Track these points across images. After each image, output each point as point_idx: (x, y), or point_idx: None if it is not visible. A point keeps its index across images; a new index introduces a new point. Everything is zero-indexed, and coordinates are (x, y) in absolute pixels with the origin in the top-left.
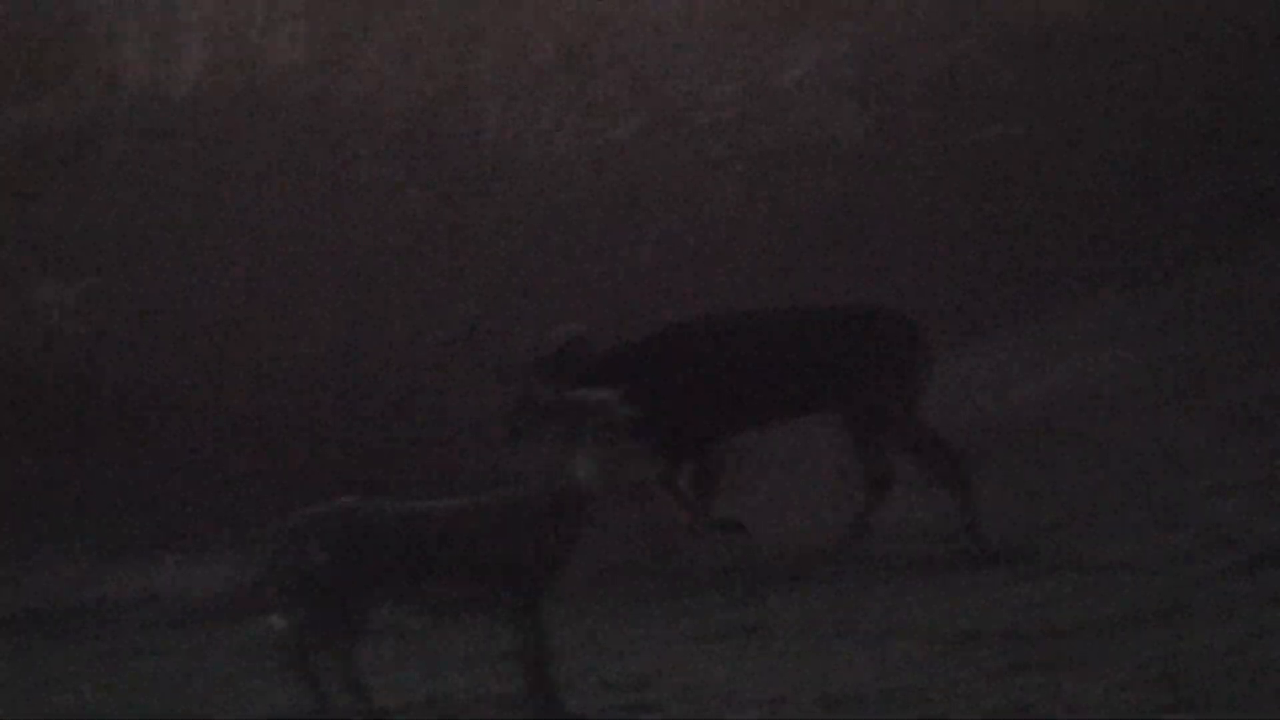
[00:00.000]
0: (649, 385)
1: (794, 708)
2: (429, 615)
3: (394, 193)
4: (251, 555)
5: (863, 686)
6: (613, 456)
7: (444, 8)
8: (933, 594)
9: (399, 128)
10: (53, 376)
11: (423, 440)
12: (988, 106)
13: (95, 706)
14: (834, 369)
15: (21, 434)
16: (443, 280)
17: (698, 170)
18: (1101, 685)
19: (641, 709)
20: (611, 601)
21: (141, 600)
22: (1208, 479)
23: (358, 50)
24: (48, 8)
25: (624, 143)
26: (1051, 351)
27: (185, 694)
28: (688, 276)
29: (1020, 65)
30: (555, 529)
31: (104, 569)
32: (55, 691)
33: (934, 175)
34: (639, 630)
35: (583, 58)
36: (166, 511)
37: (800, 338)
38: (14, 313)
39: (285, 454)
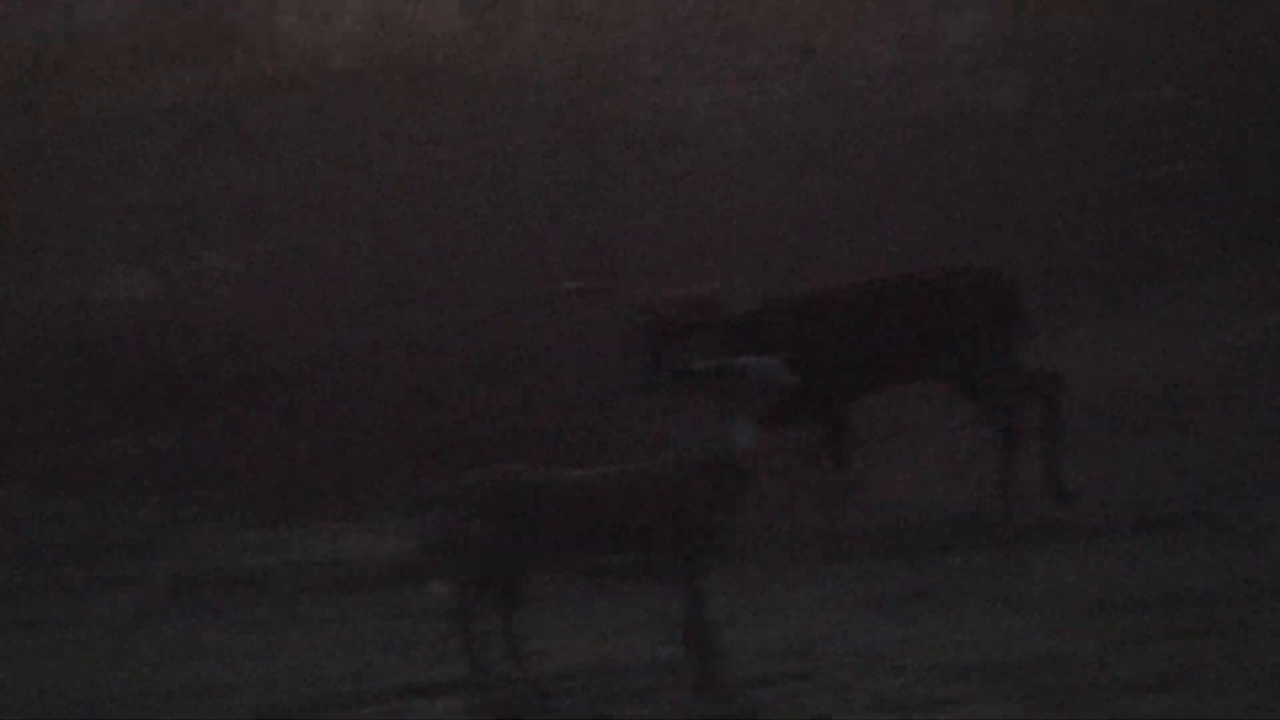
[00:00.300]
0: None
1: (954, 673)
2: (589, 582)
3: (551, 158)
4: (414, 522)
5: (1021, 652)
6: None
7: None
8: (1089, 560)
9: (557, 95)
10: (218, 346)
11: (584, 407)
12: (1143, 72)
13: (256, 673)
14: (940, 331)
15: (188, 403)
16: (601, 244)
17: (856, 134)
18: (1253, 651)
19: (802, 675)
20: (773, 568)
21: (305, 566)
22: None
23: (518, 18)
24: None
25: (784, 107)
26: (1203, 317)
27: (347, 660)
28: (844, 238)
29: (1175, 30)
30: (717, 495)
31: (269, 536)
32: (220, 657)
33: (1089, 140)
34: (800, 597)
35: (743, 23)
36: (330, 479)
37: (906, 303)
38: (180, 282)
39: (447, 422)
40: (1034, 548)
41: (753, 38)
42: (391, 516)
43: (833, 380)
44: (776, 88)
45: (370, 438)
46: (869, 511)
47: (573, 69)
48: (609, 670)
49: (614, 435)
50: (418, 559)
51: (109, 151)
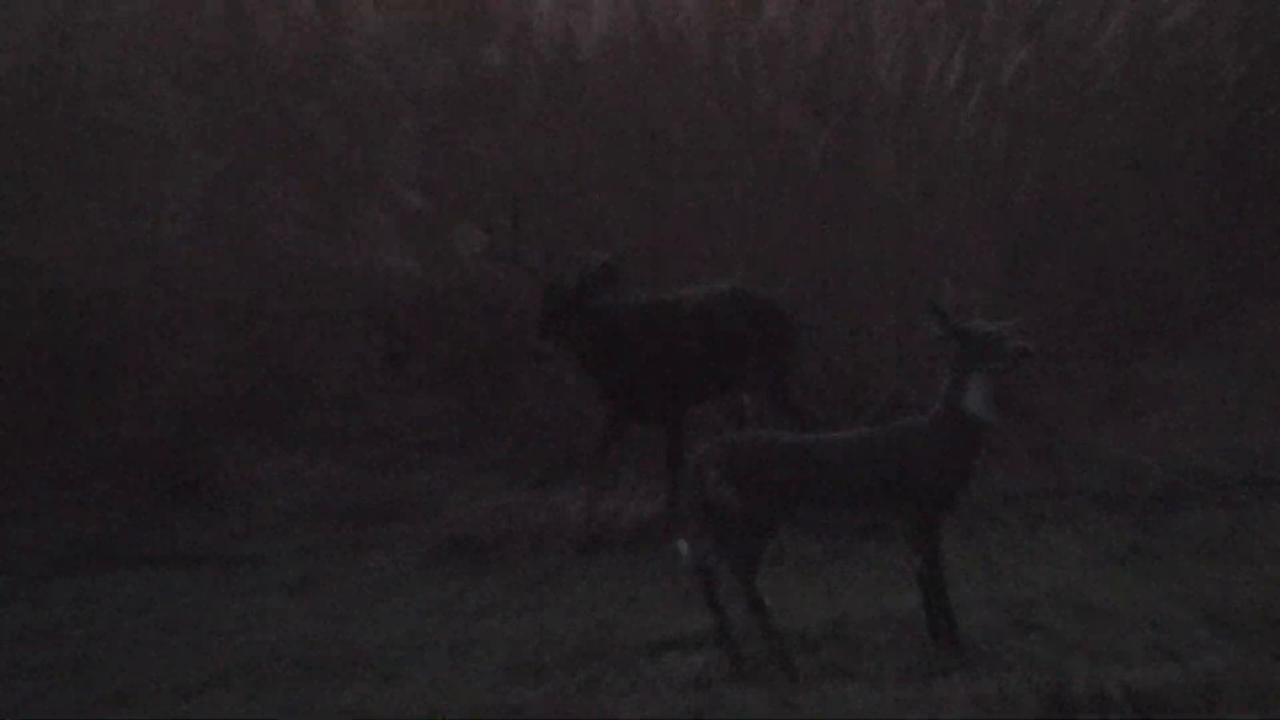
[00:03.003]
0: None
1: (1180, 628)
2: (828, 540)
3: (796, 135)
4: (663, 485)
5: (1248, 608)
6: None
7: None
8: None
9: (800, 74)
10: (470, 317)
11: (828, 371)
12: None
13: (510, 629)
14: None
15: (445, 372)
16: (845, 214)
17: (1079, 107)
18: None
19: (1031, 628)
20: (1004, 526)
21: (555, 526)
22: None
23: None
24: None
25: (1010, 80)
26: None
27: (598, 617)
28: (1067, 211)
29: None
30: (949, 456)
31: (525, 498)
32: (479, 613)
33: None
34: (1030, 553)
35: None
36: (581, 443)
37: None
38: (436, 256)
39: None
40: (1259, 503)
41: (984, 15)
42: (642, 479)
43: (658, 389)
44: (1004, 60)
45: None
46: (1095, 469)
47: (815, 47)
48: (847, 624)
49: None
50: (668, 519)
51: (375, 129)
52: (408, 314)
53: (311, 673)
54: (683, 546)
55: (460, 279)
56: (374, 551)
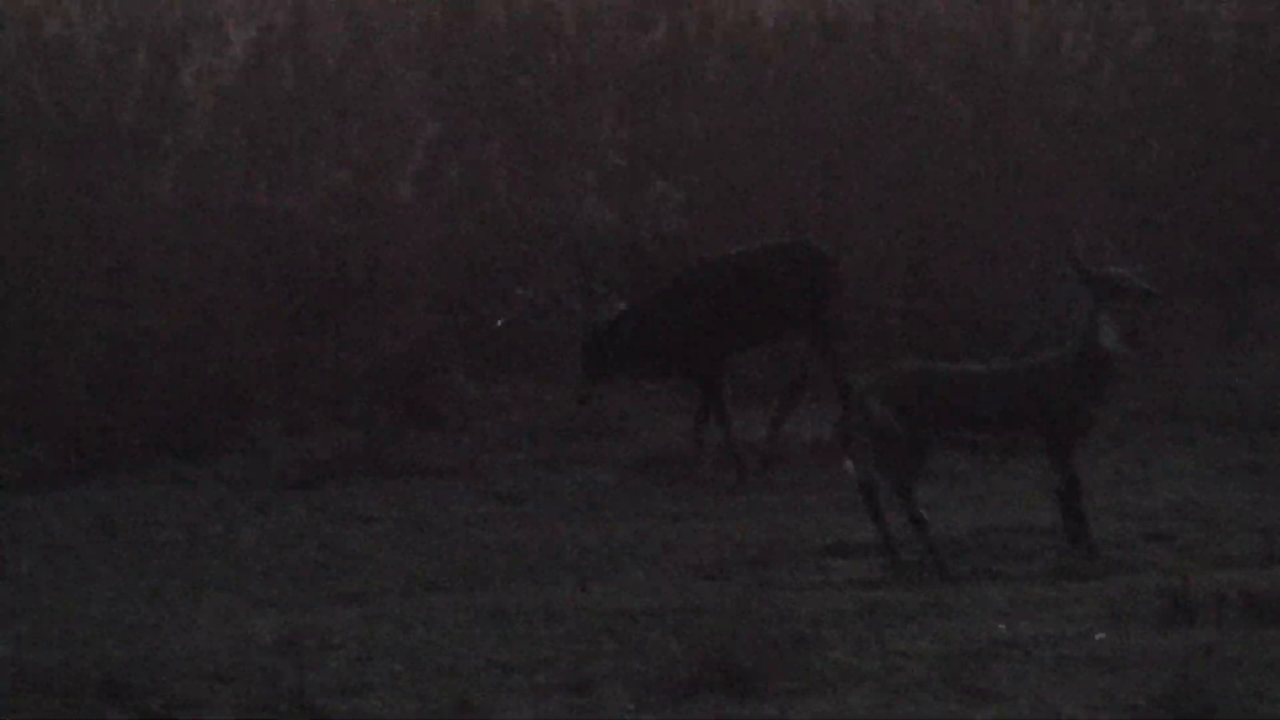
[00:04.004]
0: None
1: None
2: (979, 458)
3: (947, 106)
4: (827, 408)
5: None
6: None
7: None
8: None
9: (949, 49)
10: (663, 261)
11: (976, 309)
12: None
13: (699, 537)
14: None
15: None
16: (991, 176)
17: (1196, 80)
18: None
19: (1157, 536)
20: (1133, 445)
21: (741, 445)
22: None
23: None
24: None
25: (1135, 56)
26: None
27: (775, 525)
28: (1186, 170)
29: None
30: (1084, 385)
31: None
32: (672, 521)
33: None
34: (1155, 470)
35: None
36: (760, 370)
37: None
38: (632, 210)
39: (862, 320)
40: None
41: None
42: (819, 404)
43: (704, 345)
44: (1131, 37)
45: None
46: (1212, 395)
47: (964, 25)
48: (991, 534)
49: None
50: (839, 440)
51: (580, 97)
52: (606, 258)
53: (521, 574)
54: (849, 464)
55: (654, 229)
56: (577, 467)
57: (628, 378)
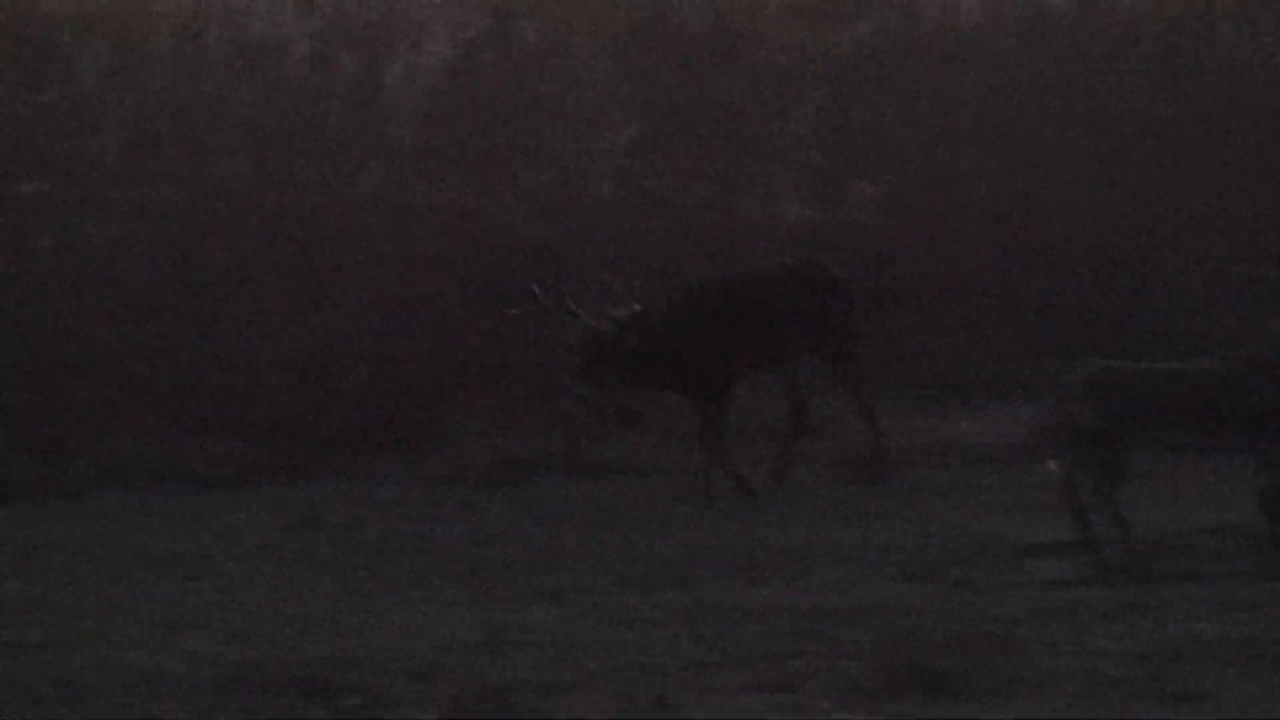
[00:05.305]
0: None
1: None
2: (1175, 457)
3: (1143, 105)
4: (1028, 408)
5: None
6: None
7: None
8: None
9: (1150, 45)
10: (862, 259)
11: (1160, 308)
12: None
13: (902, 536)
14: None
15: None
16: (1189, 174)
17: None
18: None
19: None
20: None
21: (939, 445)
22: None
23: None
24: None
25: None
26: None
27: (977, 523)
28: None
29: None
30: (1277, 388)
31: (911, 419)
32: (873, 521)
33: None
34: None
35: None
36: (957, 370)
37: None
38: (827, 208)
39: (1054, 323)
40: None
41: None
42: (1002, 403)
43: (708, 361)
44: None
45: (992, 340)
46: None
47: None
48: (1193, 534)
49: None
50: (1033, 439)
51: (779, 96)
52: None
53: (720, 572)
54: (1052, 464)
55: (852, 227)
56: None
57: (627, 386)
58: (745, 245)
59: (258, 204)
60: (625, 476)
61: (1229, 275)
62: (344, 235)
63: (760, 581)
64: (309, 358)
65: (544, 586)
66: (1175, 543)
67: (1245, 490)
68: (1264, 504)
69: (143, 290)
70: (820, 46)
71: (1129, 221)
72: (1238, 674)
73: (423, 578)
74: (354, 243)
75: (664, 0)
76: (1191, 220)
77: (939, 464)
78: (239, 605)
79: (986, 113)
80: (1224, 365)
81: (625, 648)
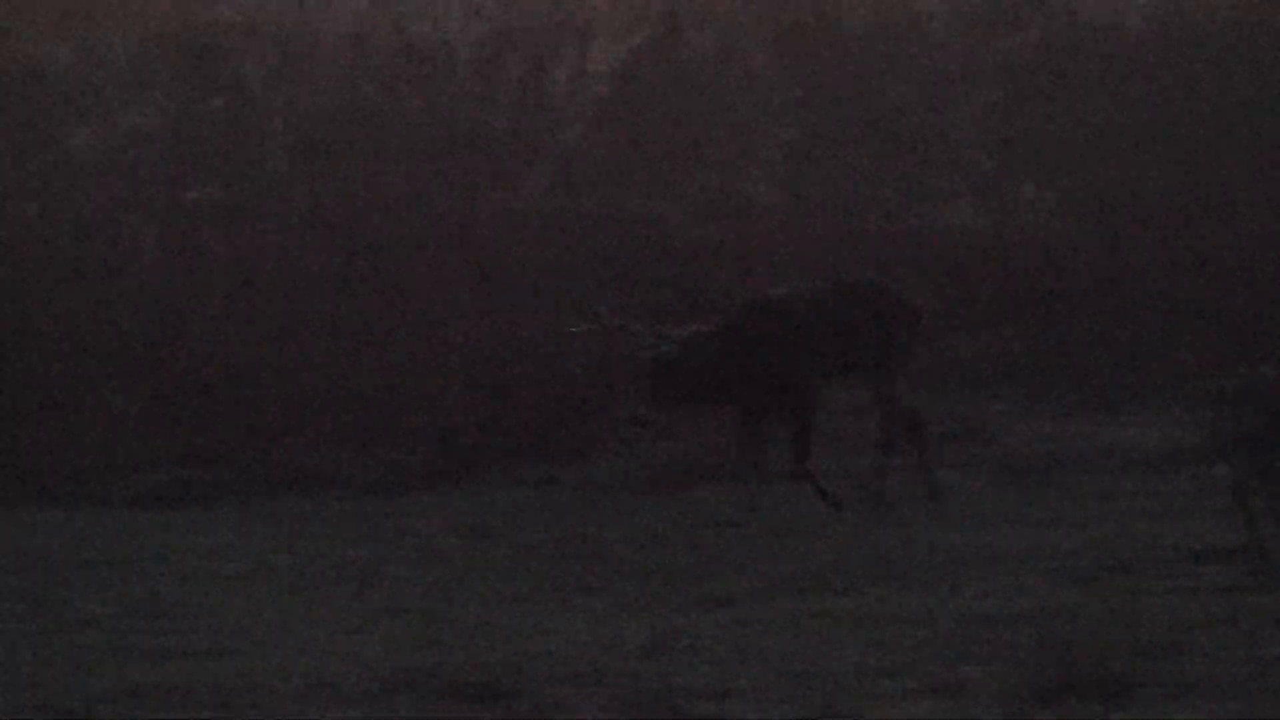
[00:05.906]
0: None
1: None
2: None
3: (1237, 115)
4: (1192, 414)
5: None
6: None
7: None
8: None
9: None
10: (1030, 264)
11: None
12: None
13: (1066, 542)
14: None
15: (1007, 313)
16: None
17: None
18: None
19: None
20: None
21: (1105, 450)
22: None
23: None
24: None
25: None
26: None
27: (1145, 528)
28: None
29: None
30: None
31: (1072, 425)
32: (1036, 529)
33: None
34: None
35: None
36: (1124, 375)
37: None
38: (995, 213)
39: (1217, 331)
40: None
41: None
42: (1167, 408)
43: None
44: None
45: (1161, 345)
46: None
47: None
48: None
49: None
50: (1202, 444)
51: (948, 99)
52: (974, 262)
53: (888, 578)
54: (1223, 469)
55: (1021, 231)
56: (944, 471)
57: (692, 406)
58: (908, 250)
59: (424, 210)
60: (793, 481)
61: None
62: (512, 241)
63: (924, 586)
64: (478, 364)
65: (710, 592)
66: None
67: None
68: None
69: (311, 296)
70: (986, 50)
71: (1217, 221)
72: None
73: (590, 583)
74: (522, 248)
75: (828, 3)
76: None
77: (1104, 469)
78: (408, 611)
79: (1157, 118)
80: None
81: (793, 653)
